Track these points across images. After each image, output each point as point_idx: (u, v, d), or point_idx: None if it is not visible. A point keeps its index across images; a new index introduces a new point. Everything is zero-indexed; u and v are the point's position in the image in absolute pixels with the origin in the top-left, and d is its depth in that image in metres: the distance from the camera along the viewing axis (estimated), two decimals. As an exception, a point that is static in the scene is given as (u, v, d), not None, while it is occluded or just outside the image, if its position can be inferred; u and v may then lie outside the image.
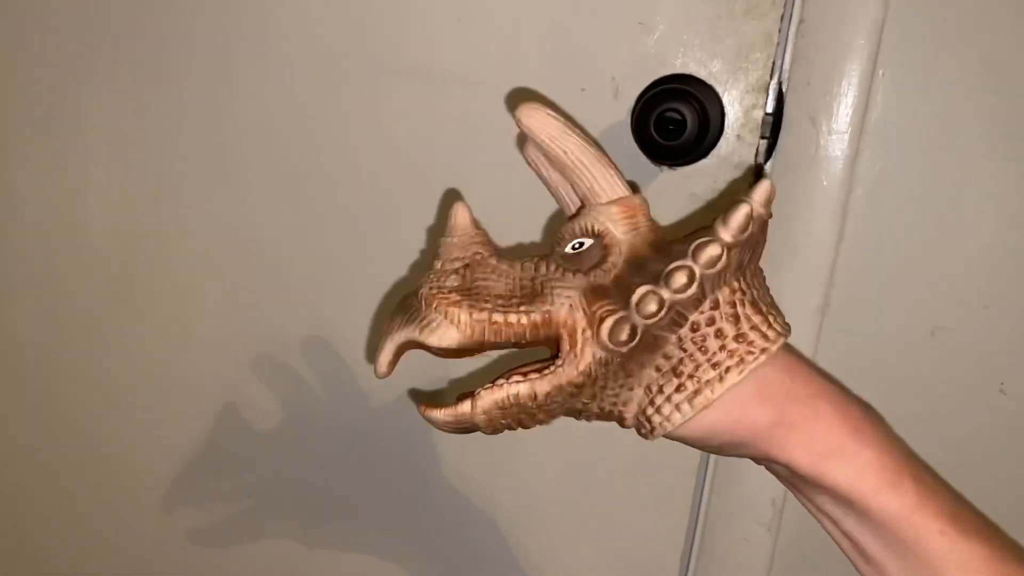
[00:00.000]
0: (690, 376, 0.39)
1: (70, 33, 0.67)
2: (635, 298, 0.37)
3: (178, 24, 0.64)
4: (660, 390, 0.40)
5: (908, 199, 0.55)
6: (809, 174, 0.55)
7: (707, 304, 0.39)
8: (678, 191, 0.57)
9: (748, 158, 0.56)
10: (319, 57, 0.62)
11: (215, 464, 0.75)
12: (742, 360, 0.38)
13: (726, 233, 0.37)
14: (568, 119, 0.41)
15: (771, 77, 0.54)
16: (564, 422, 0.65)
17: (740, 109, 0.55)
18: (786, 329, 0.40)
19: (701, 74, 0.55)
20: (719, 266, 0.37)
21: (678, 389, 0.39)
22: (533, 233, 0.61)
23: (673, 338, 0.39)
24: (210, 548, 0.78)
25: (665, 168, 0.57)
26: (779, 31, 0.53)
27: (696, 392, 0.39)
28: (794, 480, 0.41)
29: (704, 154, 0.56)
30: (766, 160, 0.56)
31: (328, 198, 0.65)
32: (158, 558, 0.80)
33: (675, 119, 0.53)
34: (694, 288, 0.37)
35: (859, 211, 0.56)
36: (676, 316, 0.38)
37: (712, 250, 0.37)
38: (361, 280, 0.66)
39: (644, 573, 0.67)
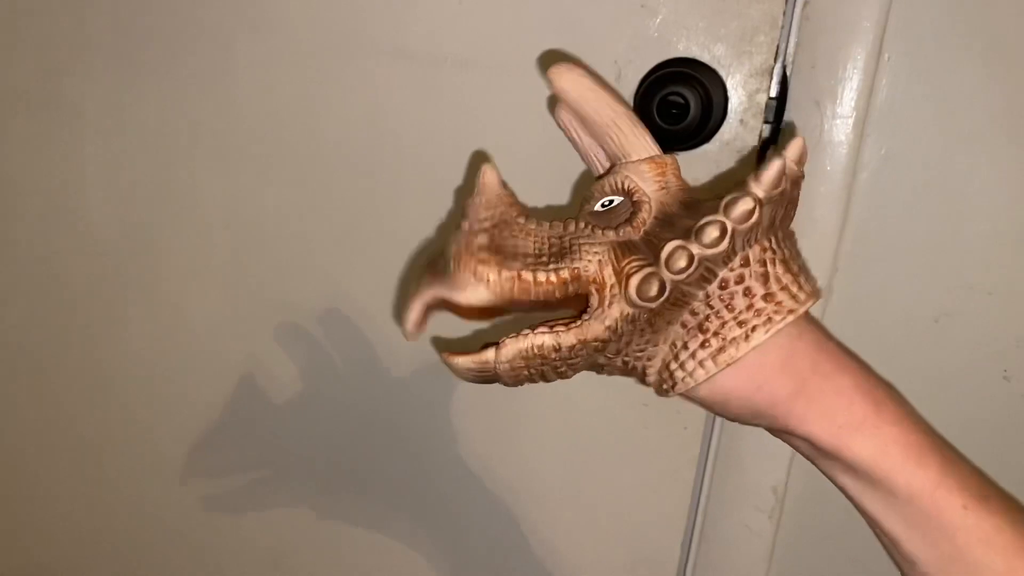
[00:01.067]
0: (715, 333, 0.38)
1: (67, 18, 0.66)
2: (665, 253, 0.37)
3: (177, 8, 0.64)
4: (685, 346, 0.39)
5: (913, 184, 0.55)
6: (813, 158, 0.55)
7: (737, 261, 0.38)
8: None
9: (752, 143, 0.55)
10: (321, 36, 0.61)
11: (230, 435, 0.75)
12: (769, 319, 0.38)
13: (759, 188, 0.37)
14: (600, 80, 0.41)
15: (775, 61, 0.54)
16: (566, 412, 0.65)
17: (744, 93, 0.54)
18: (816, 292, 0.40)
19: (704, 58, 0.54)
20: (751, 222, 0.37)
21: (703, 345, 0.39)
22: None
23: (701, 295, 0.39)
24: (225, 516, 0.78)
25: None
26: (783, 14, 0.53)
27: (720, 349, 0.38)
28: (814, 454, 0.40)
29: (707, 138, 0.55)
30: (770, 145, 0.56)
31: (335, 185, 0.65)
32: (173, 526, 0.80)
33: (678, 103, 0.52)
34: (725, 243, 0.37)
35: (863, 196, 0.55)
36: (705, 272, 0.38)
37: (744, 204, 0.37)
38: (375, 258, 0.66)
39: (645, 560, 0.67)
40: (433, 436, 0.69)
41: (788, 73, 0.55)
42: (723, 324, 0.38)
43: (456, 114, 0.60)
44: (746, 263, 0.38)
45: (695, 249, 0.37)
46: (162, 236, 0.70)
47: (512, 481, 0.69)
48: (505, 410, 0.67)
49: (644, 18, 0.55)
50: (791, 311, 0.38)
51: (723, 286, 0.38)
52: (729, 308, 0.38)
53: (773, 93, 0.54)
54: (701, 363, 0.39)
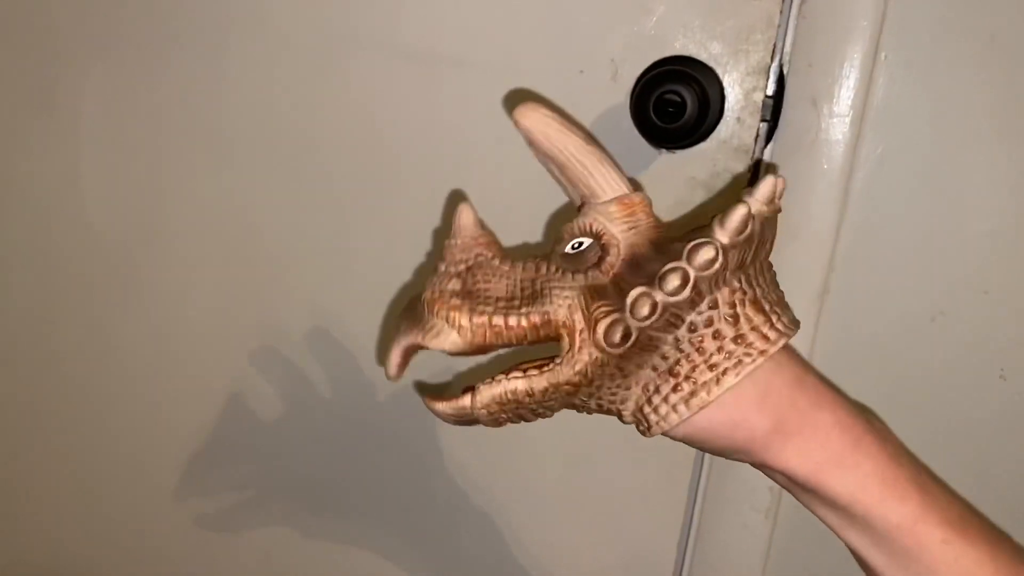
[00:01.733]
0: (687, 377, 0.39)
1: (65, 15, 0.66)
2: (629, 300, 0.37)
3: (173, 7, 0.64)
4: (657, 390, 0.39)
5: (910, 183, 0.55)
6: (810, 157, 0.54)
7: (705, 304, 0.38)
8: (677, 174, 0.57)
9: (748, 141, 0.55)
10: (317, 39, 0.61)
11: (219, 453, 0.75)
12: (740, 362, 0.38)
13: (723, 234, 0.37)
14: (567, 116, 0.41)
15: (772, 59, 0.54)
16: (562, 412, 0.65)
17: (740, 91, 0.54)
18: (791, 327, 0.40)
19: (701, 56, 0.54)
20: (714, 269, 0.37)
21: (675, 389, 0.39)
22: (536, 219, 0.60)
23: (670, 339, 0.39)
24: (215, 535, 0.78)
25: (664, 151, 0.56)
26: (780, 12, 0.53)
27: (692, 394, 0.38)
28: (793, 488, 0.41)
29: (704, 137, 0.55)
30: (766, 143, 0.56)
31: (330, 183, 0.65)
32: (163, 544, 0.79)
33: (674, 101, 0.52)
34: (687, 291, 0.37)
35: (860, 195, 0.55)
36: (671, 318, 0.38)
37: (706, 253, 0.37)
38: (367, 268, 0.66)
39: (641, 560, 0.67)
40: (428, 436, 0.69)
41: (785, 71, 0.55)
42: (694, 368, 0.38)
43: (452, 114, 0.60)
44: (714, 305, 0.38)
45: (658, 296, 0.37)
46: (158, 236, 0.70)
47: (507, 482, 0.68)
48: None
49: (640, 16, 0.55)
50: (762, 352, 0.38)
51: (692, 329, 0.38)
52: (699, 351, 0.38)
53: (770, 91, 0.54)
54: (674, 407, 0.39)
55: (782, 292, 0.42)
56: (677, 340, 0.39)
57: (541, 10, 0.56)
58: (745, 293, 0.39)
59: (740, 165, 0.55)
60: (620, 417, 0.42)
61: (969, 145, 0.53)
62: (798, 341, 0.58)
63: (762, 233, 0.39)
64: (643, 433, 0.41)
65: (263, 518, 0.76)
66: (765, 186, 0.38)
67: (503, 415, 0.40)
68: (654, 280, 0.37)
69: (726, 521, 0.64)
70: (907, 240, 0.56)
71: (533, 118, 0.41)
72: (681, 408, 0.39)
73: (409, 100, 0.61)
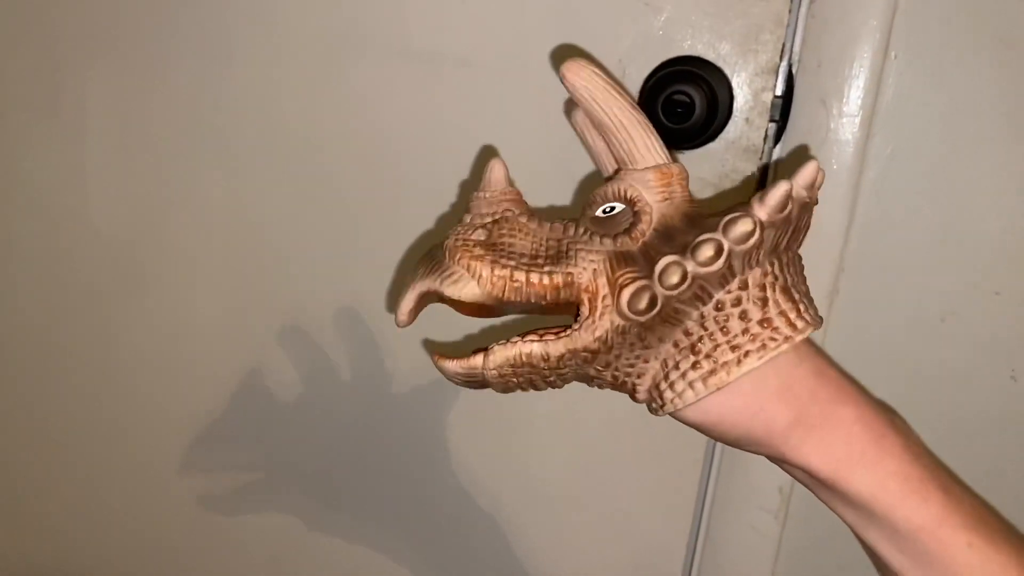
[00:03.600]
0: (707, 355, 0.38)
1: (71, 15, 0.66)
2: (659, 268, 0.36)
3: (177, 7, 0.64)
4: (676, 366, 0.38)
5: (920, 183, 0.54)
6: (819, 157, 0.54)
7: (735, 283, 0.37)
8: (686, 175, 0.56)
9: (757, 141, 0.55)
10: (321, 40, 0.61)
11: (227, 448, 0.75)
12: (764, 346, 0.37)
13: (761, 210, 0.36)
14: (613, 80, 0.40)
15: (781, 59, 0.53)
16: (570, 412, 0.65)
17: (749, 92, 0.54)
18: (817, 320, 0.39)
19: (709, 56, 0.54)
20: (750, 243, 0.36)
21: (694, 367, 0.38)
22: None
23: (695, 314, 0.38)
24: (224, 529, 0.78)
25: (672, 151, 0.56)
26: (789, 12, 0.52)
27: (712, 372, 0.37)
28: (813, 485, 0.40)
29: (712, 137, 0.55)
30: (775, 144, 0.56)
31: (334, 183, 0.65)
32: (172, 537, 0.80)
33: (683, 102, 0.52)
34: (720, 263, 0.36)
35: (870, 195, 0.55)
36: (699, 291, 0.37)
37: (744, 226, 0.36)
38: (371, 267, 0.66)
39: (650, 560, 0.67)
40: (435, 437, 0.69)
41: (794, 71, 0.54)
42: (716, 347, 0.37)
43: (458, 114, 0.60)
44: (744, 286, 0.37)
45: (689, 266, 0.36)
46: (164, 235, 0.70)
47: (516, 483, 0.68)
48: (508, 411, 0.66)
49: (649, 16, 0.54)
50: (787, 339, 0.37)
51: (719, 307, 0.38)
52: (724, 331, 0.37)
53: (779, 92, 0.54)
54: (691, 385, 0.38)
55: (808, 286, 0.41)
56: (702, 316, 0.38)
57: (548, 10, 0.56)
58: (776, 278, 0.38)
59: (749, 166, 0.55)
60: (634, 394, 0.41)
61: (979, 144, 0.53)
62: (807, 342, 0.58)
63: (799, 219, 0.38)
64: (655, 411, 0.40)
65: (271, 513, 0.76)
66: (808, 169, 0.37)
67: (514, 379, 0.39)
68: (686, 250, 0.36)
69: (735, 522, 0.63)
70: (917, 240, 0.55)
71: (582, 74, 0.39)
72: (698, 386, 0.38)
73: (415, 101, 0.60)
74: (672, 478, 0.64)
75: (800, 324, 0.38)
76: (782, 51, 0.53)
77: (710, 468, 0.63)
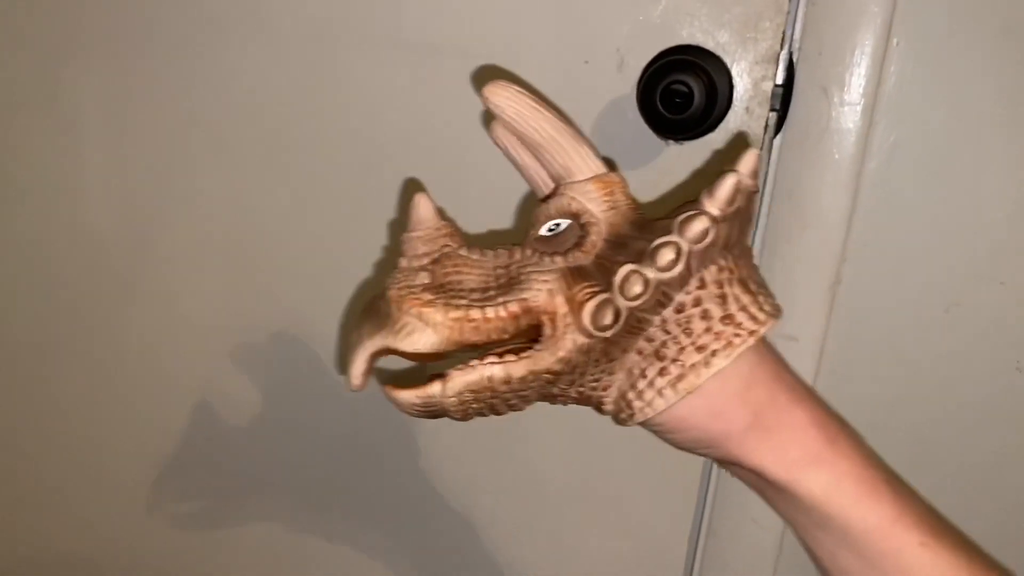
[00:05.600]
0: (674, 360, 0.36)
1: (64, 13, 0.66)
2: (618, 278, 0.35)
3: (173, 4, 0.63)
4: (643, 374, 0.37)
5: (922, 172, 0.54)
6: (820, 147, 0.54)
7: (693, 283, 0.36)
8: (685, 165, 0.56)
9: (757, 131, 0.54)
10: (317, 34, 0.61)
11: (222, 437, 0.75)
12: (730, 343, 0.36)
13: (713, 206, 0.35)
14: (538, 95, 0.39)
15: (781, 47, 0.53)
16: (571, 407, 0.64)
17: (749, 81, 0.53)
18: (776, 311, 0.38)
19: (708, 45, 0.53)
20: (707, 241, 0.35)
21: (661, 373, 0.37)
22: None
23: (657, 320, 0.37)
24: (196, 536, 0.78)
25: (671, 142, 0.56)
26: (789, -1, 0.52)
27: (680, 377, 0.36)
28: (764, 488, 0.39)
29: (712, 127, 0.54)
30: (776, 133, 0.55)
31: (331, 178, 0.64)
32: (144, 545, 0.80)
33: (682, 92, 0.51)
34: (681, 266, 0.35)
35: (872, 185, 0.55)
36: (661, 297, 0.36)
37: (699, 224, 0.35)
38: (372, 264, 0.66)
39: (653, 556, 0.67)
40: (435, 434, 0.69)
41: (794, 60, 0.54)
42: (681, 350, 0.36)
43: (456, 105, 0.59)
44: (703, 285, 0.37)
45: (650, 273, 0.35)
46: (159, 235, 0.70)
47: (517, 479, 0.68)
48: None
49: (647, 5, 0.54)
50: (752, 332, 0.37)
51: (679, 310, 0.37)
52: (687, 333, 0.36)
53: (779, 80, 0.53)
54: (660, 392, 0.37)
55: (761, 277, 0.41)
56: (664, 321, 0.37)
57: (546, 0, 0.56)
58: (732, 272, 0.37)
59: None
60: (600, 407, 0.39)
61: (982, 132, 0.52)
62: (811, 331, 0.58)
63: (748, 210, 0.37)
64: (622, 422, 0.39)
65: (270, 511, 0.76)
66: (749, 157, 0.36)
67: (475, 405, 0.37)
68: (642, 257, 0.35)
69: (737, 515, 0.63)
70: (920, 230, 0.55)
71: (506, 95, 0.38)
72: (668, 392, 0.37)
73: (413, 93, 0.60)
74: (674, 472, 0.63)
75: (762, 316, 0.37)
76: (782, 39, 0.52)
77: (712, 463, 0.63)
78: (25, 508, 0.83)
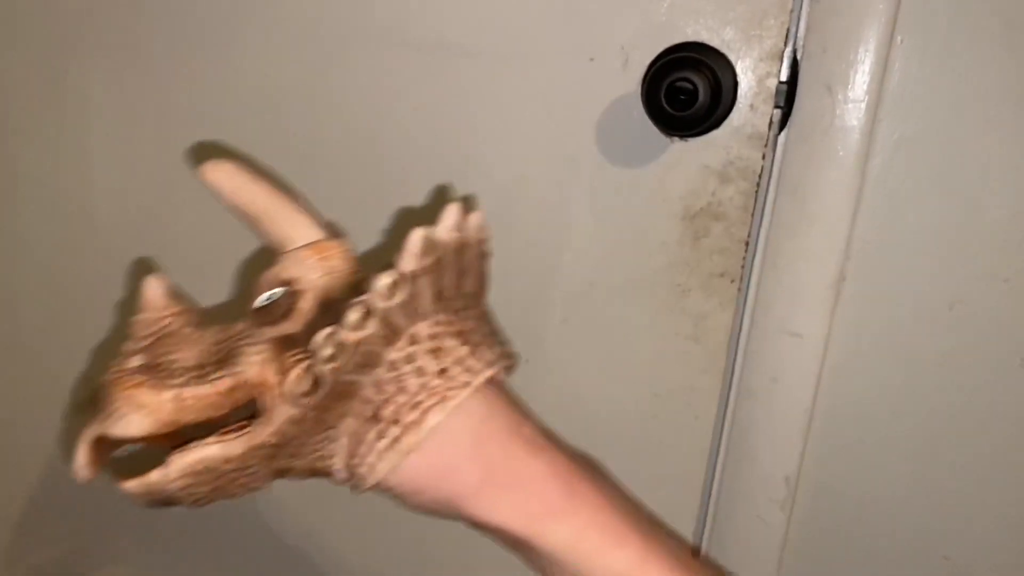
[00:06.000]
0: (392, 421, 0.35)
1: (73, 9, 0.66)
2: (314, 344, 0.34)
3: (180, 0, 0.64)
4: (363, 439, 0.36)
5: (926, 169, 0.54)
6: (825, 144, 0.54)
7: (403, 340, 0.36)
8: (690, 162, 0.56)
9: (762, 128, 0.54)
10: (324, 31, 0.61)
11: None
12: (444, 398, 0.35)
13: (401, 263, 0.35)
14: (260, 171, 0.39)
15: (786, 44, 0.53)
16: (574, 402, 0.65)
17: (753, 78, 0.54)
18: (502, 359, 0.37)
19: (713, 42, 0.53)
20: (397, 298, 0.35)
21: (380, 435, 0.36)
22: (546, 206, 0.60)
23: (370, 381, 0.36)
24: (223, 511, 0.78)
25: (676, 139, 0.56)
26: (794, -4, 0.52)
27: (397, 439, 0.35)
28: (511, 544, 0.38)
29: (716, 124, 0.54)
30: (780, 130, 0.55)
31: (337, 173, 0.64)
32: (170, 518, 0.80)
33: (686, 89, 0.51)
34: (373, 324, 0.34)
35: (876, 182, 0.55)
36: (366, 357, 0.35)
37: (384, 280, 0.35)
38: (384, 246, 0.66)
39: (656, 551, 0.67)
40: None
41: (799, 57, 0.54)
42: (398, 410, 0.35)
43: (460, 103, 0.60)
44: (414, 341, 0.36)
45: (343, 335, 0.34)
46: (168, 229, 0.70)
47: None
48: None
49: (651, 2, 0.54)
50: (466, 384, 0.36)
51: (392, 368, 0.36)
52: (402, 391, 0.35)
53: (784, 77, 0.54)
54: (381, 455, 0.36)
55: (496, 327, 0.40)
56: (378, 382, 0.36)
57: (551, -3, 0.56)
58: (450, 324, 0.37)
59: (754, 153, 0.55)
60: (331, 476, 0.38)
61: (987, 130, 0.52)
62: (814, 328, 0.58)
63: (459, 262, 0.37)
64: (356, 489, 0.38)
65: (269, 509, 0.76)
66: (447, 214, 0.36)
67: (201, 488, 0.36)
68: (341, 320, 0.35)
69: (741, 511, 0.63)
70: (924, 227, 0.55)
71: (219, 172, 0.40)
72: (389, 455, 0.35)
73: (417, 90, 0.60)
74: (678, 467, 0.63)
75: (479, 366, 0.36)
76: (787, 36, 0.53)
77: (716, 458, 0.63)
78: (31, 503, 0.84)
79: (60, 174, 0.71)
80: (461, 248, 0.37)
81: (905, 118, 0.53)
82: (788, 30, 0.52)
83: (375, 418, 0.36)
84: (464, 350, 0.36)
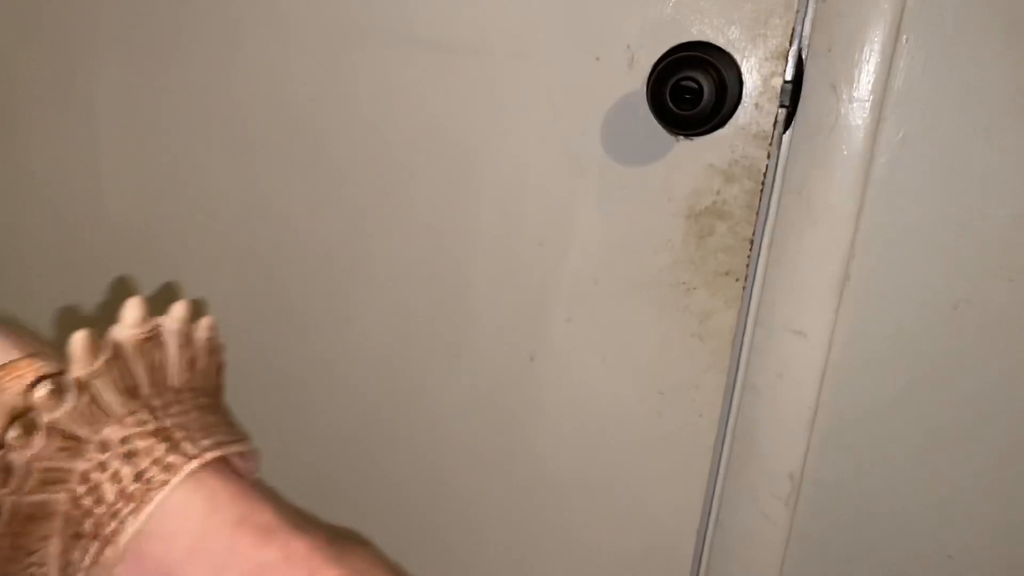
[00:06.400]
0: (93, 535, 0.33)
1: (81, 9, 0.67)
2: None
3: (189, 1, 0.64)
4: (70, 560, 0.33)
5: (931, 169, 0.54)
6: (829, 143, 0.54)
7: (91, 449, 0.33)
8: (695, 161, 0.56)
9: (767, 127, 0.54)
10: (330, 30, 0.61)
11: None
12: (141, 502, 0.33)
13: (73, 367, 0.33)
14: None
15: (791, 44, 0.53)
16: (580, 401, 0.65)
17: (758, 77, 0.54)
18: (212, 449, 0.35)
19: (719, 41, 0.54)
20: (64, 407, 0.32)
21: (83, 552, 0.33)
22: (549, 205, 0.60)
23: (66, 498, 0.33)
24: None
25: (681, 138, 0.56)
26: (799, -4, 0.52)
27: (98, 553, 0.33)
28: None
29: (721, 123, 0.55)
30: (785, 129, 0.55)
31: (343, 171, 0.65)
32: None
33: (692, 88, 0.51)
34: (41, 439, 0.32)
35: (881, 181, 0.55)
36: (51, 474, 0.32)
37: (41, 392, 0.32)
38: (380, 258, 0.66)
39: (661, 548, 0.67)
40: (445, 425, 0.69)
41: (804, 56, 0.54)
42: (99, 522, 0.33)
43: (467, 102, 0.60)
44: (104, 448, 0.33)
45: (10, 456, 0.32)
46: (176, 224, 0.70)
47: (525, 471, 0.69)
48: (518, 400, 0.66)
49: (657, 2, 0.54)
50: (164, 483, 0.33)
51: (85, 480, 0.33)
52: (99, 502, 0.33)
53: (788, 77, 0.54)
54: (88, 572, 0.33)
55: (219, 417, 0.38)
56: (75, 498, 0.33)
57: (557, -3, 0.56)
58: (146, 424, 0.34)
59: (759, 152, 0.55)
60: None
61: (991, 129, 0.52)
62: (819, 327, 0.58)
63: (151, 357, 0.35)
64: None
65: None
66: (129, 308, 0.35)
67: None
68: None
69: (745, 508, 0.63)
70: (929, 226, 0.55)
71: None
72: (96, 571, 0.33)
73: (423, 89, 0.60)
74: (683, 465, 0.64)
75: (180, 461, 0.34)
76: (792, 35, 0.53)
77: (720, 455, 0.63)
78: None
79: (68, 173, 0.71)
80: (149, 343, 0.35)
81: (910, 117, 0.53)
82: (793, 30, 0.53)
83: (77, 535, 0.33)
84: (162, 448, 0.34)
